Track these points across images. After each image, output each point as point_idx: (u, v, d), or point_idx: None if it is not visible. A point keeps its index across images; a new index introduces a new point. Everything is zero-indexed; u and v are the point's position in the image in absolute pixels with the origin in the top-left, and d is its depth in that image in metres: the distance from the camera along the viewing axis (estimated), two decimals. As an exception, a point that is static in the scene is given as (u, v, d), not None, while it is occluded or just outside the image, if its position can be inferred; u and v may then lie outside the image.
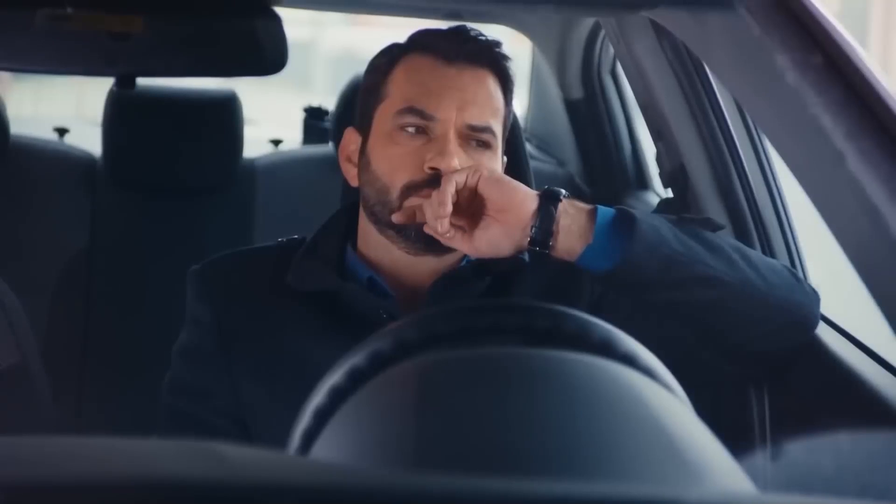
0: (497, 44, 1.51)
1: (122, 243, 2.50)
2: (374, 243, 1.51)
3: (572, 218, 1.37)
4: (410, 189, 1.44)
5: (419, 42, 1.50)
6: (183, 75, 2.50)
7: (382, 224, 1.47)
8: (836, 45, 1.13)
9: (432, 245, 1.45)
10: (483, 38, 1.50)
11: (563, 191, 1.39)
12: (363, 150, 1.51)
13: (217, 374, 1.50)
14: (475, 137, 1.46)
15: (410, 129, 1.45)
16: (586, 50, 2.63)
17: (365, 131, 1.51)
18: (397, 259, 1.49)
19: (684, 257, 1.38)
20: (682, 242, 1.39)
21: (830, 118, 1.08)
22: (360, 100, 1.54)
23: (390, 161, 1.46)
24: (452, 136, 1.44)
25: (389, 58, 1.51)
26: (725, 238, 1.48)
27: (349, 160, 1.55)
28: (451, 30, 1.52)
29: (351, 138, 1.54)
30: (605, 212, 1.38)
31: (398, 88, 1.48)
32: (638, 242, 1.36)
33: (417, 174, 1.43)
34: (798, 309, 1.47)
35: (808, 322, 1.50)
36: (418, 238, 1.45)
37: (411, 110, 1.45)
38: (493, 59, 1.49)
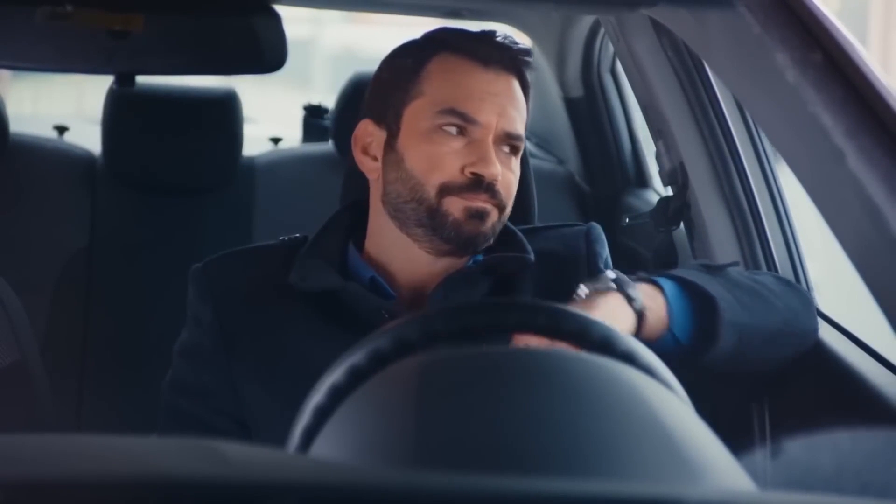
0: (528, 52, 1.52)
1: (122, 241, 2.49)
2: (387, 242, 1.50)
3: (651, 299, 1.41)
4: (448, 190, 1.44)
5: (451, 42, 1.49)
6: (182, 73, 2.51)
7: (410, 222, 1.47)
8: (835, 43, 1.13)
9: (467, 245, 1.46)
10: (516, 44, 1.51)
11: (617, 275, 1.40)
12: (391, 146, 1.49)
13: (218, 374, 1.50)
14: (509, 143, 1.48)
15: (450, 130, 1.45)
16: (586, 48, 2.63)
17: (391, 127, 1.49)
18: (411, 258, 1.49)
19: (750, 321, 1.44)
20: (744, 307, 1.45)
21: (830, 116, 1.08)
22: (382, 94, 1.52)
23: (428, 159, 1.45)
24: (491, 141, 1.45)
25: (418, 55, 1.50)
26: (739, 272, 1.54)
27: (366, 153, 1.53)
28: (482, 33, 1.52)
29: (368, 130, 1.52)
30: (668, 287, 1.43)
31: (436, 88, 1.47)
32: (722, 325, 1.41)
33: (456, 176, 1.44)
34: (807, 324, 1.57)
35: (813, 331, 1.58)
36: (457, 238, 1.45)
37: (453, 112, 1.45)
38: (521, 67, 1.51)
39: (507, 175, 1.47)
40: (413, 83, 1.48)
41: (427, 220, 1.45)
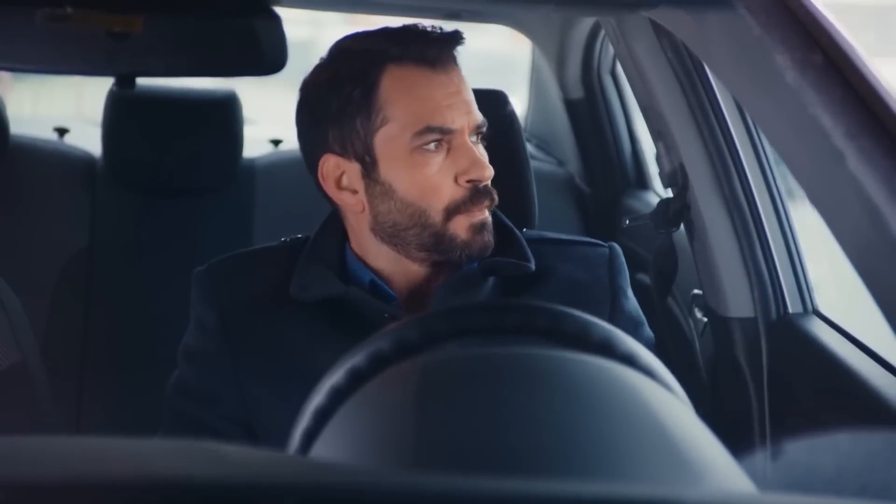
0: (460, 34, 1.48)
1: (122, 243, 2.49)
2: (381, 259, 1.50)
3: None
4: (455, 209, 1.44)
5: (392, 53, 1.44)
6: (183, 75, 2.50)
7: (412, 247, 1.46)
8: (835, 45, 1.13)
9: (477, 259, 1.46)
10: (446, 32, 1.47)
11: None
12: (372, 178, 1.45)
13: (223, 379, 1.49)
14: (478, 133, 1.47)
15: (429, 147, 1.43)
16: (586, 50, 2.63)
17: (364, 159, 1.45)
18: (407, 268, 1.49)
19: None
20: None
21: (830, 117, 1.08)
22: (338, 126, 1.46)
23: (421, 185, 1.43)
24: (469, 141, 1.45)
25: (363, 77, 1.44)
26: None
27: (341, 188, 1.48)
28: (413, 31, 1.47)
29: (336, 164, 1.47)
30: None
31: (401, 110, 1.43)
32: None
33: (455, 192, 1.44)
34: None
35: None
36: (468, 257, 1.45)
37: (429, 129, 1.42)
38: (456, 52, 1.49)
39: (488, 165, 1.46)
40: (372, 110, 1.43)
41: (433, 244, 1.45)
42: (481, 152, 1.47)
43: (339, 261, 1.53)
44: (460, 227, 1.44)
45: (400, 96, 1.43)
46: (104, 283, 2.46)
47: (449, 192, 1.43)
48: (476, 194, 1.44)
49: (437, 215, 1.44)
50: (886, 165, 1.04)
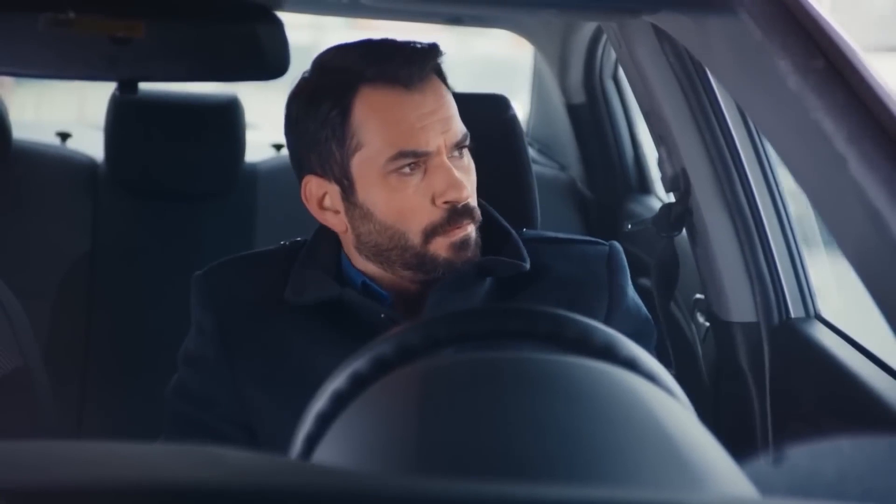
0: (437, 47, 1.46)
1: (124, 247, 2.50)
2: (371, 269, 1.50)
3: None
4: (433, 231, 1.42)
5: (366, 74, 1.42)
6: (185, 80, 2.51)
7: (396, 265, 1.45)
8: (837, 49, 1.13)
9: (461, 264, 1.44)
10: (422, 46, 1.45)
11: None
12: (350, 201, 1.45)
13: (221, 383, 1.50)
14: (458, 148, 1.45)
15: (404, 170, 1.41)
16: (588, 54, 2.63)
17: (342, 181, 1.45)
18: (393, 277, 1.49)
19: None
20: None
21: (832, 122, 1.08)
22: (317, 149, 1.45)
23: (399, 207, 1.42)
24: (447, 161, 1.42)
25: (339, 99, 1.42)
26: None
27: (324, 208, 1.48)
28: (387, 47, 1.45)
29: (318, 184, 1.47)
30: None
31: (374, 134, 1.41)
32: None
33: (433, 213, 1.42)
34: None
35: None
36: (451, 272, 1.44)
37: (402, 154, 1.40)
38: (436, 65, 1.46)
39: (469, 181, 1.45)
40: (347, 134, 1.42)
41: (415, 264, 1.44)
42: (465, 165, 1.45)
43: (335, 264, 1.53)
44: (440, 247, 1.43)
45: (372, 121, 1.41)
46: (106, 288, 2.46)
47: (427, 213, 1.42)
48: (454, 215, 1.42)
49: (415, 237, 1.42)
50: (888, 169, 1.04)
